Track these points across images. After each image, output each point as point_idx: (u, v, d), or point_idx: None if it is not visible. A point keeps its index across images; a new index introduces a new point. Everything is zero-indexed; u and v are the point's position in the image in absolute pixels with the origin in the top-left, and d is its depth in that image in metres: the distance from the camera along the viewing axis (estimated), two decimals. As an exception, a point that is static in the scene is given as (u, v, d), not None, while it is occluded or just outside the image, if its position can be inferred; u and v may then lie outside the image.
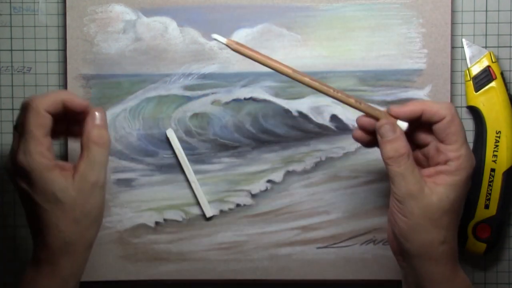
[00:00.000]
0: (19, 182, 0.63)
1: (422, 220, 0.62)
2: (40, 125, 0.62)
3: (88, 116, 0.65)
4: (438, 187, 0.62)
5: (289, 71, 0.65)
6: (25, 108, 0.63)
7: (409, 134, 0.66)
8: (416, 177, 0.62)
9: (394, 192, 0.63)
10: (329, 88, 0.65)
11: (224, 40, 0.65)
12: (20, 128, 0.63)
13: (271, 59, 0.65)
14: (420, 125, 0.65)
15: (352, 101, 0.65)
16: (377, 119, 0.65)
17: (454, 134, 0.63)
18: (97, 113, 0.65)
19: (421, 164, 0.67)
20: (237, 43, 0.65)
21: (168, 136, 0.62)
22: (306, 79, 0.65)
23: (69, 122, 0.67)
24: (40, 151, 0.62)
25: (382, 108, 0.66)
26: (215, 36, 0.65)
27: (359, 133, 0.67)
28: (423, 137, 0.66)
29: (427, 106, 0.64)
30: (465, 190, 0.64)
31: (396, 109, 0.65)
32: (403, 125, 0.64)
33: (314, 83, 0.65)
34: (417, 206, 0.62)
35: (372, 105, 0.66)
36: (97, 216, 0.65)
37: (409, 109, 0.64)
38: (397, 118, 0.65)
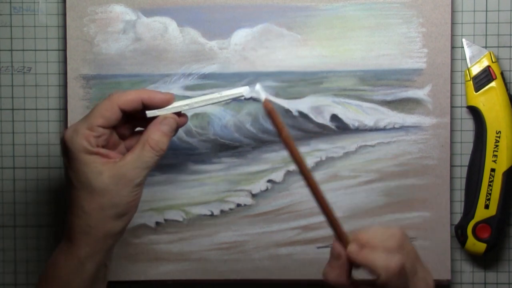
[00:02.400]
0: (63, 155, 0.65)
1: None
2: (102, 115, 0.64)
3: (159, 117, 0.65)
4: None
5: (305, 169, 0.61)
6: (106, 97, 0.65)
7: None
8: None
9: None
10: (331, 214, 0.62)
11: (263, 96, 0.59)
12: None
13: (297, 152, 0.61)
14: None
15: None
16: (337, 235, 0.63)
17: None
18: (167, 120, 0.65)
19: None
20: (272, 107, 0.59)
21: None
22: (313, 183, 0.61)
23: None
24: (87, 135, 0.64)
25: (383, 107, 0.66)
26: (258, 88, 0.60)
27: None
28: None
29: (371, 262, 0.60)
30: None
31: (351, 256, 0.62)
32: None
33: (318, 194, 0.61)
34: None
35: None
36: (124, 211, 0.65)
37: (359, 262, 0.61)
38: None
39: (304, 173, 0.60)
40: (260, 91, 0.59)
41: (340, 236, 0.63)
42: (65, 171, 0.66)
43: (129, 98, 0.65)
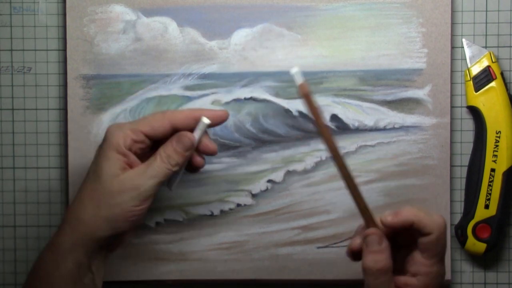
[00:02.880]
0: (100, 145, 0.67)
1: None
2: (151, 125, 0.66)
3: (182, 137, 0.66)
4: None
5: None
6: (161, 112, 0.67)
7: (391, 232, 0.63)
8: None
9: None
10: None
11: (300, 80, 0.61)
12: None
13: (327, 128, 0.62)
14: (406, 230, 0.63)
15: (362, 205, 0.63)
16: (368, 224, 0.63)
17: (433, 251, 0.62)
18: (182, 138, 0.66)
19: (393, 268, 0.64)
20: (309, 92, 0.61)
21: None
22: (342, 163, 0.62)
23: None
24: (126, 134, 0.65)
25: (383, 107, 0.66)
26: (294, 71, 0.61)
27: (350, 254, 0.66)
28: (404, 240, 0.64)
29: (419, 218, 0.62)
30: None
31: (389, 220, 0.62)
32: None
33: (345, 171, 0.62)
34: None
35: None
36: (116, 217, 0.65)
37: (401, 221, 0.62)
38: (388, 229, 0.63)
39: (338, 161, 0.61)
40: (296, 75, 0.60)
41: (372, 223, 0.62)
42: (92, 161, 0.67)
43: (182, 115, 0.66)
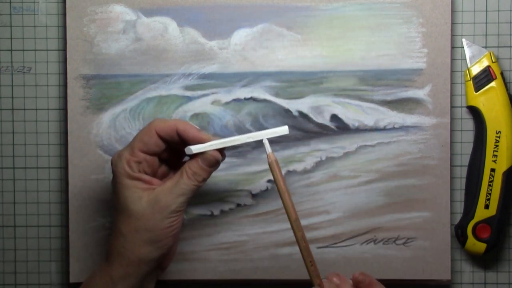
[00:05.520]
0: (112, 180, 0.68)
1: None
2: (141, 140, 0.67)
3: (203, 153, 0.67)
4: None
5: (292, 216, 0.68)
6: (147, 124, 0.68)
7: None
8: None
9: None
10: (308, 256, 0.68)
11: (269, 150, 0.68)
12: None
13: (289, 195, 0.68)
14: None
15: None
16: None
17: None
18: (207, 155, 0.67)
19: None
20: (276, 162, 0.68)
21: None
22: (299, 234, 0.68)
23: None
24: (129, 159, 0.66)
25: (383, 107, 0.66)
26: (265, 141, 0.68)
27: None
28: None
29: None
30: None
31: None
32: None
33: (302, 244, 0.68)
34: None
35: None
36: (158, 238, 0.66)
37: None
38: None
39: (295, 226, 0.67)
40: (265, 144, 0.68)
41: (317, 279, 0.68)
42: (112, 195, 0.68)
43: (166, 125, 0.67)
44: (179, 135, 0.67)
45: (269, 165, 0.67)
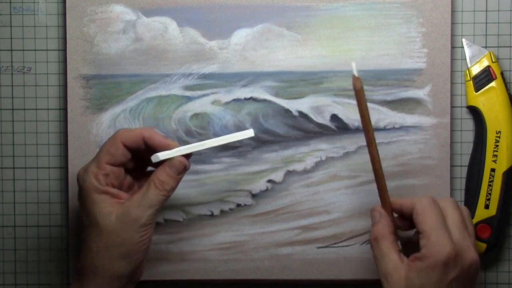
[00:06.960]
0: (78, 195, 0.67)
1: None
2: (108, 152, 0.66)
3: (170, 160, 0.67)
4: (411, 272, 0.63)
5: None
6: (111, 135, 0.67)
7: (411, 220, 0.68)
8: (392, 260, 0.64)
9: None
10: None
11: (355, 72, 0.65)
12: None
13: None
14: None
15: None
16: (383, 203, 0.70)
17: (421, 224, 0.64)
18: (174, 162, 0.67)
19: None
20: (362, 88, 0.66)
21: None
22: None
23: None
24: (96, 173, 0.66)
25: (383, 107, 0.66)
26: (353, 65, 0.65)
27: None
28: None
29: (407, 202, 0.68)
30: (437, 277, 0.63)
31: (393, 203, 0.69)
32: None
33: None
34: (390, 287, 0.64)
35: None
36: (129, 252, 0.66)
37: (397, 209, 0.69)
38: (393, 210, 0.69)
39: (372, 152, 0.67)
40: (353, 67, 0.64)
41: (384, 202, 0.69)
42: (79, 211, 0.68)
43: (131, 134, 0.67)
44: (146, 143, 0.67)
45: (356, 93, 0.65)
